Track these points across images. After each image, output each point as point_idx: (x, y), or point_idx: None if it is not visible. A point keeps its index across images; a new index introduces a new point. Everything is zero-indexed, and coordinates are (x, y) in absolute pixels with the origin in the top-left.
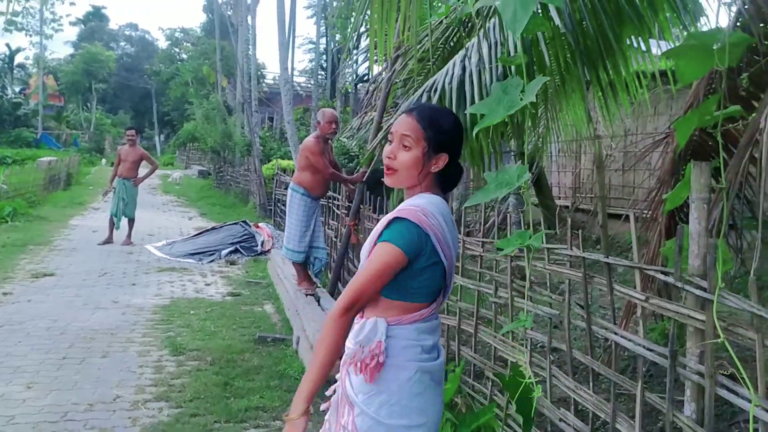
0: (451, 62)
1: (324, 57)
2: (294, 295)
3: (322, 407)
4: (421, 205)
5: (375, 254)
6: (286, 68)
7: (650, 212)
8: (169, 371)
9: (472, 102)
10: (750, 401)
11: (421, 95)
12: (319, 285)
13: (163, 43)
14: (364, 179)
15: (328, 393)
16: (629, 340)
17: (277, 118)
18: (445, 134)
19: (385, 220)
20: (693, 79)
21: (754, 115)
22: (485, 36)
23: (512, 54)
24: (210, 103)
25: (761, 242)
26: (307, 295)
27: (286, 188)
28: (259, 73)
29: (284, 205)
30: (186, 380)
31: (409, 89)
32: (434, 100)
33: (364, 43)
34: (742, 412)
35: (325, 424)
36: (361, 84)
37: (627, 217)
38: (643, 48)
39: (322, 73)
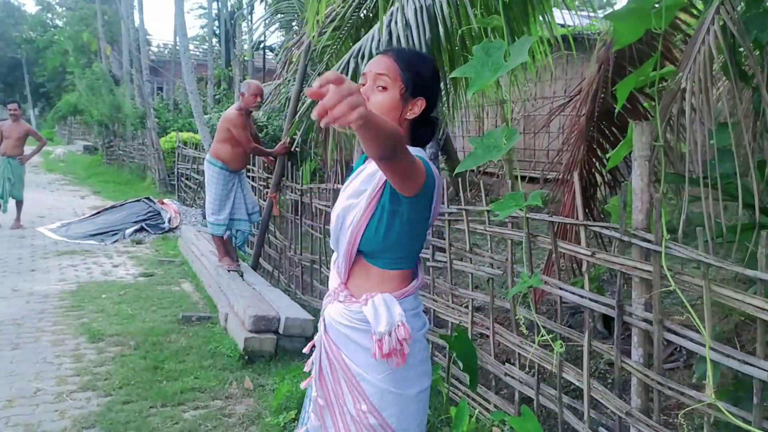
0: (375, 27)
1: (216, 23)
2: (215, 272)
3: (303, 385)
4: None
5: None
6: (185, 34)
7: (563, 173)
8: (90, 359)
9: None
10: (701, 345)
11: (348, 61)
12: (241, 260)
13: (31, 8)
14: (285, 153)
15: (306, 369)
16: (576, 294)
17: (167, 88)
18: (422, 78)
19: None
20: (630, 41)
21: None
22: (408, 1)
23: (439, 18)
24: (94, 73)
25: (691, 196)
26: (229, 271)
27: (189, 162)
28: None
29: (188, 179)
30: (111, 367)
31: (327, 57)
32: (363, 65)
33: (259, 8)
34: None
35: (314, 421)
36: (258, 51)
37: (531, 178)
38: (547, 17)
39: (216, 39)
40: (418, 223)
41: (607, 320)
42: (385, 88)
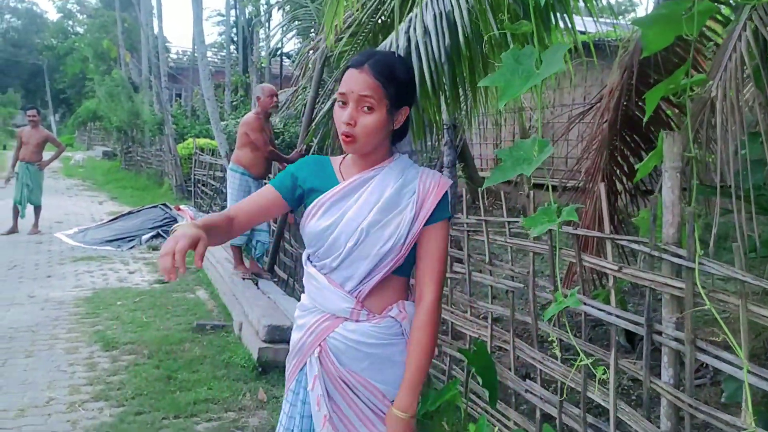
0: (393, 34)
1: (234, 30)
2: (230, 280)
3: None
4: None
5: (443, 235)
6: (203, 41)
7: (585, 182)
8: (104, 368)
9: (421, 73)
10: (735, 365)
11: None
12: (264, 269)
13: (53, 15)
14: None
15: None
16: (601, 310)
17: (185, 95)
18: (405, 86)
19: (433, 187)
20: (659, 48)
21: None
22: (427, 7)
23: (458, 24)
24: (113, 80)
25: (720, 209)
26: (243, 279)
27: (205, 168)
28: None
29: (204, 185)
30: (124, 376)
31: (343, 63)
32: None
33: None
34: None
35: None
36: (275, 58)
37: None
38: (568, 23)
39: (234, 46)
40: None
41: (629, 334)
42: (371, 109)
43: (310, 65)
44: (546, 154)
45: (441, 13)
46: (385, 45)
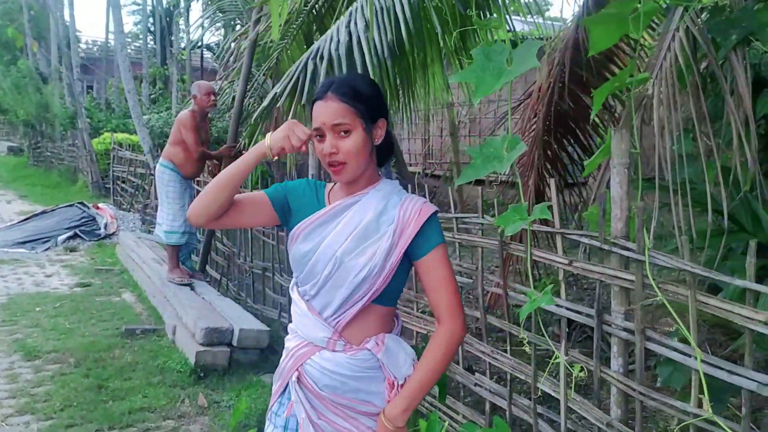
0: (333, 27)
1: (151, 20)
2: (159, 282)
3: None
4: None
5: (441, 263)
6: (122, 30)
7: (517, 176)
8: (27, 379)
9: (364, 68)
10: (684, 354)
11: (306, 62)
12: (193, 272)
13: None
14: (231, 155)
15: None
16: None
17: (98, 87)
18: (373, 100)
19: (413, 215)
20: (605, 47)
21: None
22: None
23: (401, 20)
24: (20, 70)
25: (660, 203)
26: (181, 285)
27: (125, 164)
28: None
29: (124, 182)
30: (50, 387)
31: (275, 53)
32: (322, 67)
33: (197, 5)
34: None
35: None
36: (195, 51)
37: (476, 181)
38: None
39: (151, 37)
40: None
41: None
42: (348, 132)
43: (236, 57)
44: (519, 151)
45: (382, 8)
46: (324, 39)
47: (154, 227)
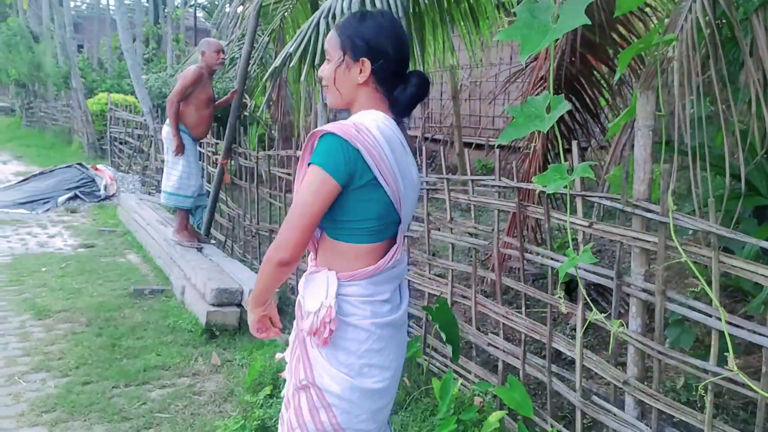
0: None
1: None
2: (165, 243)
3: (277, 357)
4: (354, 120)
5: (304, 183)
6: None
7: (525, 141)
8: (39, 337)
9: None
10: (705, 314)
11: (318, 21)
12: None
13: None
14: (228, 102)
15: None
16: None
17: (89, 46)
18: (361, 38)
19: (311, 136)
20: (632, 7)
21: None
22: None
23: None
24: (10, 28)
25: (679, 167)
26: (189, 246)
27: (122, 125)
28: None
29: (122, 143)
30: (63, 345)
31: (280, 14)
32: (334, 27)
33: None
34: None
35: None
36: (188, 10)
37: (477, 145)
38: None
39: None
40: (356, 193)
41: (568, 286)
42: (329, 60)
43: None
44: (561, 110)
45: None
46: (332, 2)
47: (154, 189)
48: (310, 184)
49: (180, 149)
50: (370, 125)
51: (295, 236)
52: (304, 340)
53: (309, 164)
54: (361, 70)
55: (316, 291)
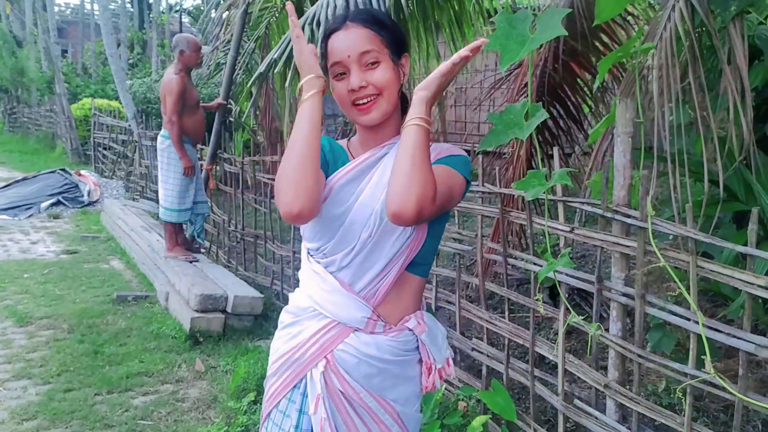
0: None
1: None
2: (148, 248)
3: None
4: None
5: (444, 173)
6: None
7: (509, 147)
8: (21, 344)
9: None
10: (684, 318)
11: (302, 27)
12: (203, 245)
13: None
14: (217, 108)
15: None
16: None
17: (73, 51)
18: (395, 30)
19: (445, 151)
20: (610, 16)
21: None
22: None
23: None
24: None
25: (659, 173)
26: (191, 262)
27: (106, 131)
28: None
29: (106, 149)
30: (45, 353)
31: (265, 21)
32: (319, 33)
33: None
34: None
35: None
36: (174, 15)
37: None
38: None
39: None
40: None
41: (552, 290)
42: (376, 62)
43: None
44: (539, 118)
45: None
46: (320, 4)
47: (138, 195)
48: (451, 178)
49: (190, 171)
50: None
51: (431, 179)
52: (392, 408)
53: (439, 162)
54: (403, 68)
55: (438, 338)
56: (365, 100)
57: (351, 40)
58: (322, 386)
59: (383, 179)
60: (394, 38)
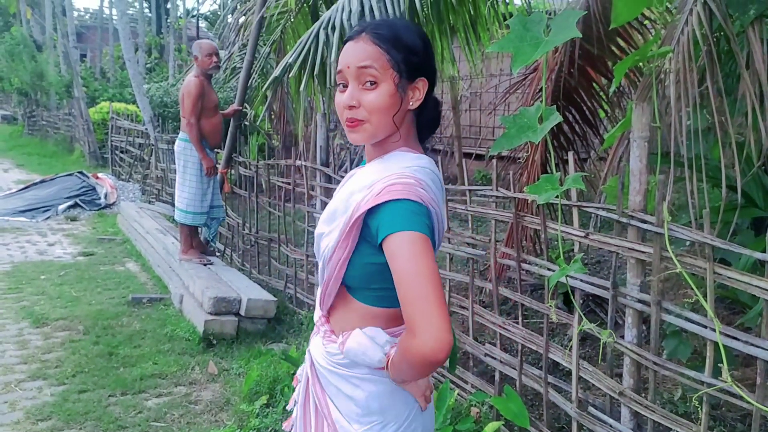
0: None
1: None
2: (163, 251)
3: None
4: (412, 175)
5: (398, 253)
6: None
7: (521, 151)
8: (37, 345)
9: None
10: (701, 325)
11: (317, 32)
12: (216, 248)
13: None
14: (233, 114)
15: (289, 407)
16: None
17: (91, 56)
18: (416, 53)
19: (374, 194)
20: (628, 19)
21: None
22: None
23: None
24: (14, 38)
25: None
26: (206, 264)
27: (123, 134)
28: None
29: (123, 152)
30: (60, 353)
31: (281, 26)
32: (334, 37)
33: None
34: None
35: None
36: (191, 20)
37: (478, 155)
38: None
39: (147, 5)
40: None
41: (566, 297)
42: (375, 84)
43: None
44: (553, 122)
45: None
46: (335, 8)
47: (155, 198)
48: (421, 252)
49: (212, 170)
50: (425, 177)
51: (446, 313)
52: (330, 415)
53: (392, 234)
54: (414, 93)
55: (366, 348)
56: (353, 121)
57: (354, 53)
58: (302, 372)
59: (341, 194)
60: (409, 61)
